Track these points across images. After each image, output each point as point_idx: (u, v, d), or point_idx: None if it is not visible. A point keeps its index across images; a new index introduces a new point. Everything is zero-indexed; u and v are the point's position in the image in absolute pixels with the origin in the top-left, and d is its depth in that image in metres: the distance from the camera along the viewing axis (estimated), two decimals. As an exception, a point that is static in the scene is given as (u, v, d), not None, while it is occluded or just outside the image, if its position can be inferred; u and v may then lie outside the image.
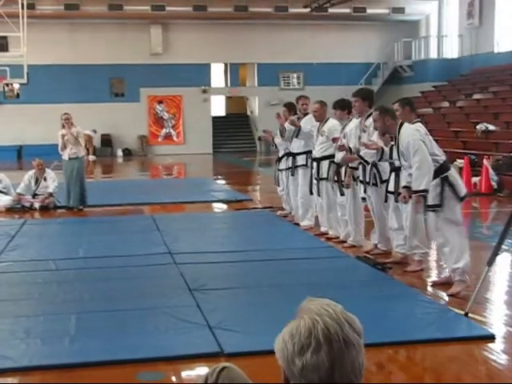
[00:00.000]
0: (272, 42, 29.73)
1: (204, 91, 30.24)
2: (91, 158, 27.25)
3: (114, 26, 28.54)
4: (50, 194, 13.10)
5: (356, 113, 8.70)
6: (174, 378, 4.76)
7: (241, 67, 32.81)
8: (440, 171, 6.76)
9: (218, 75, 32.57)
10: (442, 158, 6.94)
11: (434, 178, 6.73)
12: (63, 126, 12.88)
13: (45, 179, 13.24)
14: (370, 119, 7.88)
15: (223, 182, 18.85)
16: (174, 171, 24.39)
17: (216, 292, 6.73)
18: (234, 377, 2.26)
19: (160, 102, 29.88)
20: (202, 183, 17.52)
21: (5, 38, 25.05)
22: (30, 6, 23.90)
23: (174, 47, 29.41)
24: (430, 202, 6.79)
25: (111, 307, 6.25)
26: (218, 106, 33.06)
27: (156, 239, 9.58)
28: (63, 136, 12.73)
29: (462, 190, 6.84)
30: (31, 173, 13.36)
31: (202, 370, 4.70)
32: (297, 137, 10.36)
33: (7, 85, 26.36)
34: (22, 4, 22.16)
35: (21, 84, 25.48)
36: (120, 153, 29.26)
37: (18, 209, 12.90)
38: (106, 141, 29.36)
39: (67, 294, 6.72)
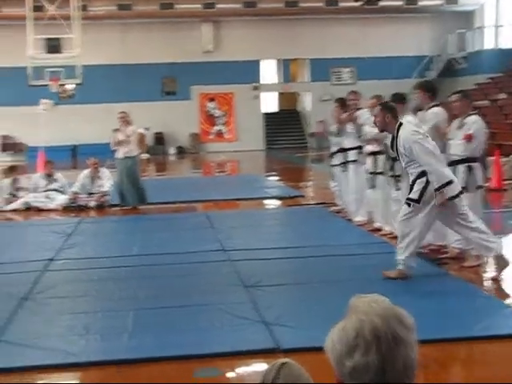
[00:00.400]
0: (323, 36, 29.58)
1: (255, 88, 30.28)
2: (144, 156, 27.50)
3: (165, 24, 28.77)
4: (105, 193, 13.28)
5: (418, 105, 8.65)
6: (230, 374, 4.77)
7: (292, 63, 32.74)
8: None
9: (269, 71, 32.54)
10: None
11: (422, 176, 6.73)
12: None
13: (99, 178, 13.43)
14: (431, 110, 7.87)
15: (276, 178, 18.82)
16: (227, 168, 24.48)
17: (271, 288, 6.72)
18: (294, 373, 2.25)
19: (211, 100, 30.04)
20: (255, 180, 17.53)
21: (58, 39, 25.50)
22: (83, 8, 24.28)
23: (225, 44, 29.52)
24: (411, 195, 6.83)
25: (167, 304, 6.30)
26: (270, 103, 33.02)
27: (210, 236, 9.62)
28: (116, 130, 12.79)
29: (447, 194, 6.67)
30: (86, 172, 13.57)
31: (258, 366, 4.71)
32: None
33: (61, 86, 26.78)
34: (75, 6, 22.54)
35: (75, 84, 25.91)
36: (172, 151, 29.49)
37: (73, 207, 13.09)
38: (159, 139, 29.65)
39: (123, 291, 6.80)
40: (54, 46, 26.24)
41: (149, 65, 28.79)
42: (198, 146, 29.81)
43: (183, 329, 5.56)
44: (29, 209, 13.17)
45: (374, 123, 7.44)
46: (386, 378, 1.62)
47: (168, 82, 30.00)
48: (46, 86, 23.84)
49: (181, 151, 29.51)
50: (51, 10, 22.84)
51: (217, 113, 30.22)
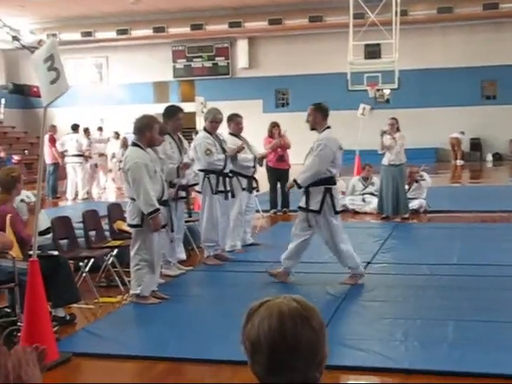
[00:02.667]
0: None
1: None
2: (459, 162, 26.86)
3: (488, 25, 27.61)
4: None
5: None
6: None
7: None
8: (326, 182, 7.39)
9: None
10: (334, 172, 7.55)
11: (319, 185, 7.36)
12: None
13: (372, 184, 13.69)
14: None
15: None
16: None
17: None
18: None
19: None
20: None
21: (378, 45, 25.93)
22: (403, 13, 24.36)
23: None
24: (312, 207, 7.37)
25: (491, 318, 6.00)
26: None
27: (533, 249, 9.03)
28: (384, 133, 12.66)
29: (338, 205, 7.56)
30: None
31: None
32: None
33: (378, 90, 27.22)
34: (396, 11, 22.72)
35: (390, 89, 26.14)
36: (490, 157, 28.34)
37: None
38: (475, 145, 28.65)
39: (443, 300, 6.66)
40: (372, 52, 26.77)
41: (468, 68, 27.94)
42: (519, 153, 28.27)
43: (508, 346, 5.24)
44: (345, 211, 13.50)
45: (307, 121, 7.72)
46: None
47: (488, 85, 28.86)
48: (363, 91, 24.37)
49: (498, 158, 28.22)
50: (372, 16, 23.25)
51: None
